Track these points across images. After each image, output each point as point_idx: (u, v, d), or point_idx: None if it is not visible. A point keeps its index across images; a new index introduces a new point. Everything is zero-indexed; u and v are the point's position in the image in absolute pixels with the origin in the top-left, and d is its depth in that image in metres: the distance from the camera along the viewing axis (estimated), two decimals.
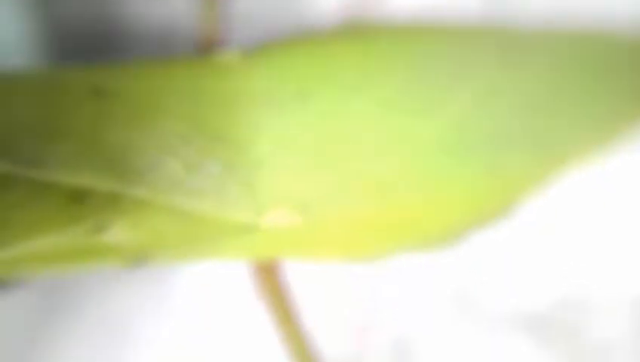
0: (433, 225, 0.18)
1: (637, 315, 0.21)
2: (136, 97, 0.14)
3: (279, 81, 0.16)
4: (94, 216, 0.14)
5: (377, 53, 0.17)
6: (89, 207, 0.14)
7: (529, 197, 0.19)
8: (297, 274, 0.21)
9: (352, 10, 0.20)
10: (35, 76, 0.14)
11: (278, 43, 0.17)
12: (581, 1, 0.20)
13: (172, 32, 0.20)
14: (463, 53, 0.18)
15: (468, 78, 0.18)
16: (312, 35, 0.18)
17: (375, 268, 0.21)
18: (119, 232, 0.14)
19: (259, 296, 0.21)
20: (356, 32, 0.18)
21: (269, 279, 0.19)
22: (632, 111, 0.19)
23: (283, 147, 0.16)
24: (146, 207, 0.14)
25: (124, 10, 0.20)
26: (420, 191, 0.17)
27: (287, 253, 0.17)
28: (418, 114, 0.17)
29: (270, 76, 0.16)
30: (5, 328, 0.19)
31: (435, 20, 0.20)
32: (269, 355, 0.21)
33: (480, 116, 0.18)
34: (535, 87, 0.18)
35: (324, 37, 0.18)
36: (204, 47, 0.19)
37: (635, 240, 0.21)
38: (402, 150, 0.17)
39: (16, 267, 0.13)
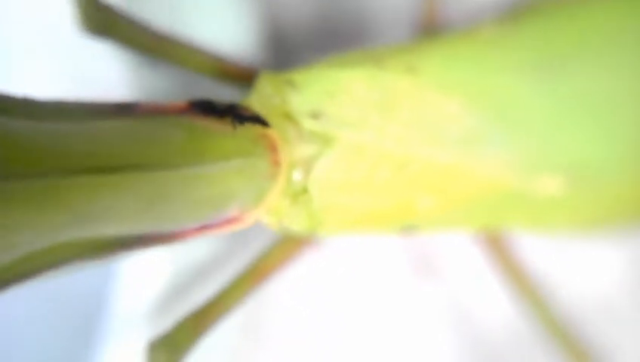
0: None
1: None
2: (440, 73, 0.16)
3: (534, 49, 0.17)
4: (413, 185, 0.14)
5: (628, 17, 0.18)
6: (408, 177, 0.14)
7: None
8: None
9: None
10: (354, 59, 0.15)
11: (529, 12, 0.18)
12: None
13: (381, 18, 0.21)
14: None
15: None
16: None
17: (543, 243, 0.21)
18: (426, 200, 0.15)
19: (491, 267, 0.21)
20: None
21: (502, 250, 0.19)
22: None
23: (545, 114, 0.16)
24: (440, 172, 0.15)
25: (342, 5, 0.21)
26: None
27: (547, 222, 0.17)
28: None
29: (525, 45, 0.17)
30: None
31: None
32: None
33: None
34: None
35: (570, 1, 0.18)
36: (426, 28, 0.19)
37: None
38: None
39: None
